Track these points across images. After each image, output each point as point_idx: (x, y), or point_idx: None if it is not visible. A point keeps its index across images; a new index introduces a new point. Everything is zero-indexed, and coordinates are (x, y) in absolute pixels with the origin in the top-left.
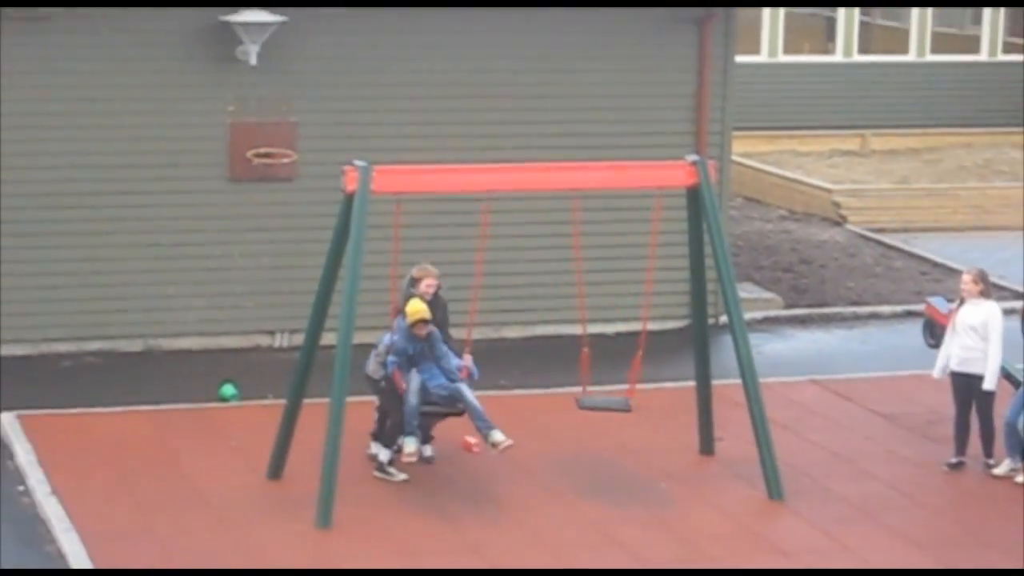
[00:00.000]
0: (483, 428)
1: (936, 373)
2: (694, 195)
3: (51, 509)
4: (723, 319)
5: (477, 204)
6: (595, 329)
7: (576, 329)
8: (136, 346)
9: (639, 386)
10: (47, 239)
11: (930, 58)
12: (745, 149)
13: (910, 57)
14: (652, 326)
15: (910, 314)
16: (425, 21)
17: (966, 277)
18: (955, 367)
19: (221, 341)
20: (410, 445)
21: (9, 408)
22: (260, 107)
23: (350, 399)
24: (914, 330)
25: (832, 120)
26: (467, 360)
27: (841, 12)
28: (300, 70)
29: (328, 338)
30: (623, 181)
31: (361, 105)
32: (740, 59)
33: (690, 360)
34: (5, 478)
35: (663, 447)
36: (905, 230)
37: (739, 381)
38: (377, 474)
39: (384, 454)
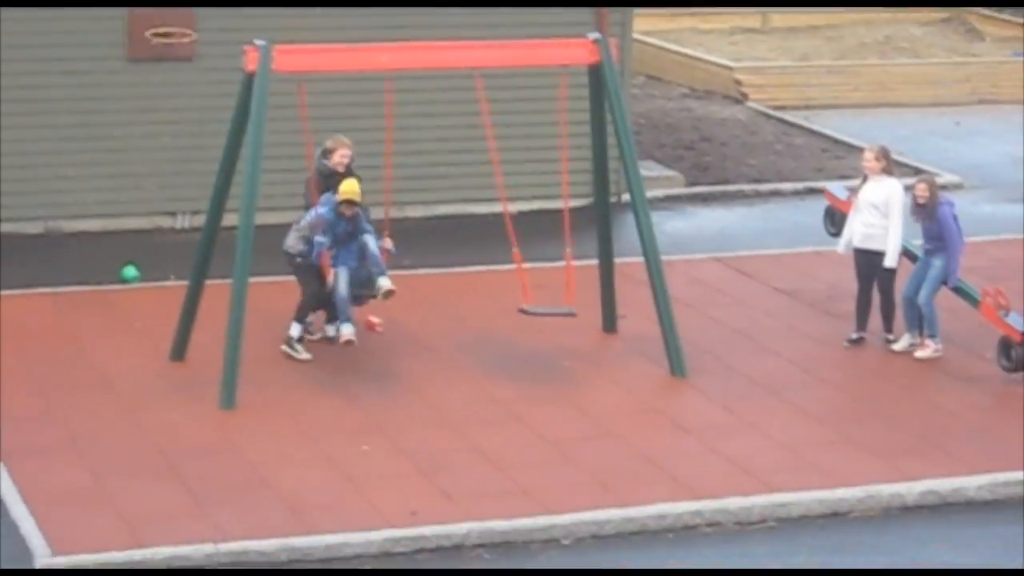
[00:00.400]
0: (376, 274)
1: (840, 248)
2: (596, 73)
3: None
4: (625, 197)
5: (379, 84)
6: (498, 208)
7: (478, 208)
8: (36, 228)
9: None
10: None
11: None
12: (646, 27)
13: None
14: (556, 205)
15: (811, 191)
16: None
17: (867, 154)
18: (857, 243)
19: (122, 222)
20: (346, 330)
21: None
22: None
23: (252, 280)
24: (815, 207)
25: None
26: (387, 243)
27: None
28: None
29: (230, 219)
30: (524, 59)
31: None
32: None
33: (593, 238)
34: None
35: (567, 325)
36: (806, 107)
37: (641, 259)
38: (284, 348)
39: (295, 329)
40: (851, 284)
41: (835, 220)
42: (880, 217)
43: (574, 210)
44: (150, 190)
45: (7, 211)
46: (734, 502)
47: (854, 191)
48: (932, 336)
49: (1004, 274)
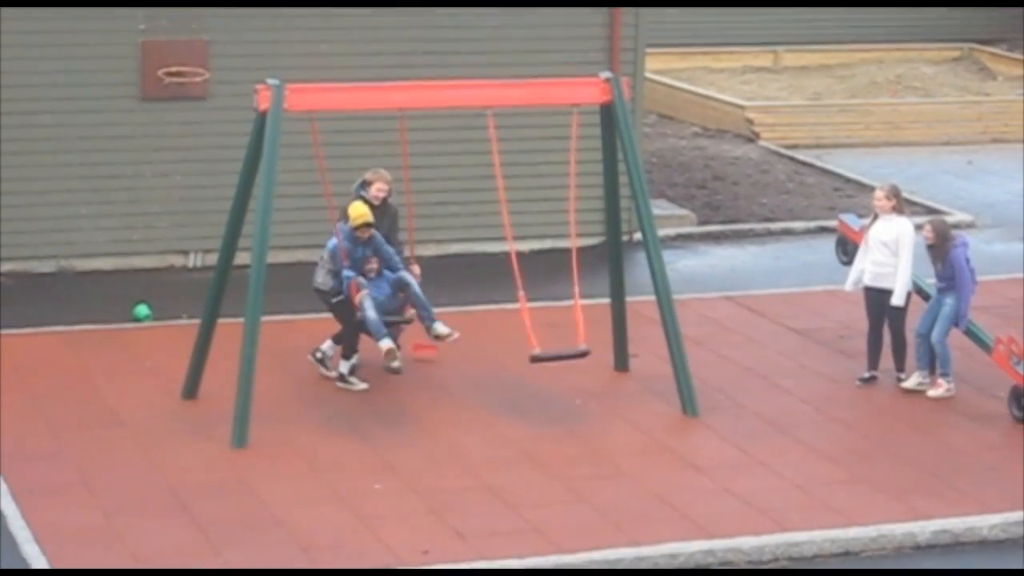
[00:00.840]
0: (426, 319)
1: (848, 286)
2: (608, 112)
3: None
4: (637, 236)
5: (391, 123)
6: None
7: (490, 247)
8: (49, 267)
9: (557, 303)
10: None
11: None
12: (658, 66)
13: None
14: (567, 244)
15: (823, 230)
16: None
17: (878, 193)
18: (868, 282)
19: (134, 261)
20: (386, 343)
21: None
22: (172, 25)
23: (265, 318)
24: (826, 246)
25: (745, 36)
26: (415, 270)
27: None
28: None
29: (242, 257)
30: (537, 98)
31: (274, 23)
32: None
33: (605, 277)
34: None
35: (578, 364)
36: (818, 146)
37: (653, 298)
38: (339, 385)
39: (344, 365)
40: (863, 323)
41: (847, 249)
42: (890, 256)
43: (586, 249)
44: (162, 229)
45: (21, 250)
46: (746, 541)
47: (864, 229)
48: (945, 375)
49: (1016, 313)
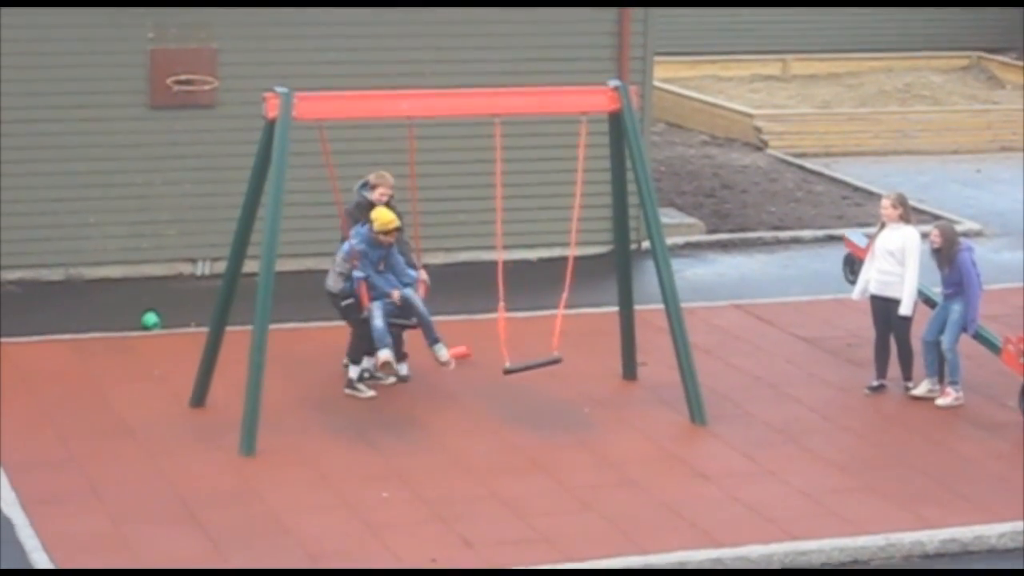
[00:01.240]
0: (429, 340)
1: (855, 295)
2: (616, 120)
3: None
4: (645, 244)
5: (400, 131)
6: (518, 255)
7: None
8: (57, 275)
9: (564, 312)
10: None
11: None
12: (667, 75)
13: None
14: (577, 251)
15: (831, 238)
16: None
17: (885, 202)
18: (874, 291)
19: (143, 269)
20: (384, 353)
21: None
22: (180, 34)
23: (273, 326)
24: (835, 255)
25: (753, 45)
26: (423, 274)
27: None
28: None
29: (250, 266)
30: (545, 106)
31: (283, 31)
32: None
33: (613, 285)
34: None
35: (586, 372)
36: (826, 154)
37: (662, 306)
38: (347, 391)
39: (353, 371)
40: (871, 331)
41: (854, 268)
42: (896, 264)
43: (595, 257)
44: (171, 237)
45: (30, 258)
46: (755, 550)
47: (872, 237)
48: (954, 383)
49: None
